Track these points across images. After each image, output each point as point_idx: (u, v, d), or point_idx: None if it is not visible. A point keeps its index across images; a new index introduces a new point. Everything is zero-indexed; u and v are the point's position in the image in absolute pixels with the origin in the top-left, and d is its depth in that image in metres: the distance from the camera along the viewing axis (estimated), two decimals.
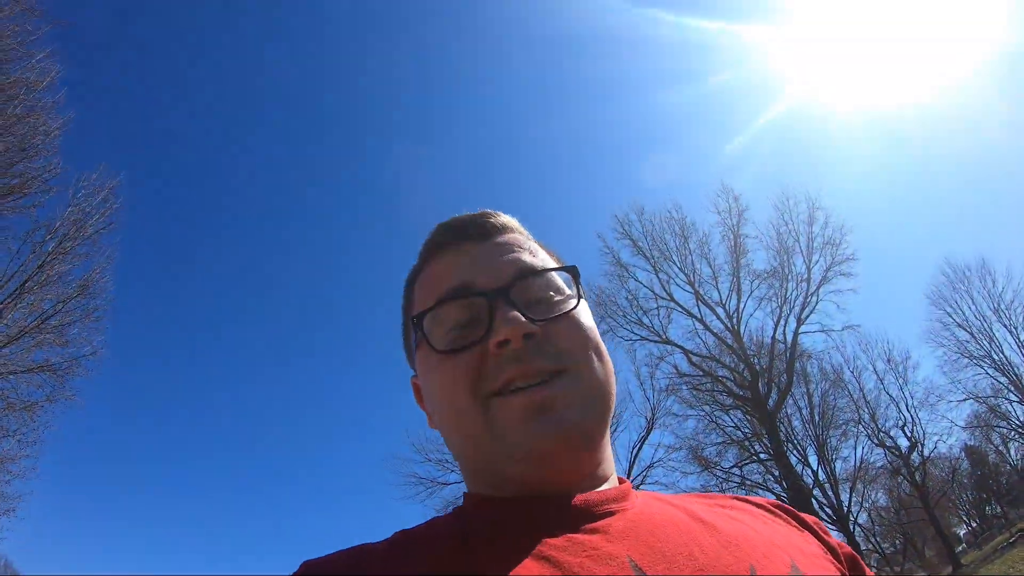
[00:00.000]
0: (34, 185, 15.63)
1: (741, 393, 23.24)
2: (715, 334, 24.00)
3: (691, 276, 24.18)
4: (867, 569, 0.91)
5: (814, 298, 23.39)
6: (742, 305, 23.79)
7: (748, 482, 22.97)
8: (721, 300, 24.04)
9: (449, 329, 0.85)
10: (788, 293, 23.64)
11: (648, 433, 23.55)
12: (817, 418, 23.02)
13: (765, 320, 23.70)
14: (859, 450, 24.64)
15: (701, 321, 24.15)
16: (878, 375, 24.02)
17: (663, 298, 24.36)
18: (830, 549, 0.88)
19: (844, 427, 23.05)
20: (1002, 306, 25.20)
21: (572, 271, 0.91)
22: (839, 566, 0.85)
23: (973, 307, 25.65)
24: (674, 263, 24.40)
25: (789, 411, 22.85)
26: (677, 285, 24.36)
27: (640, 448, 23.45)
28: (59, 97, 15.75)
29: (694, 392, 23.87)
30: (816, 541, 0.88)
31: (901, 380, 23.93)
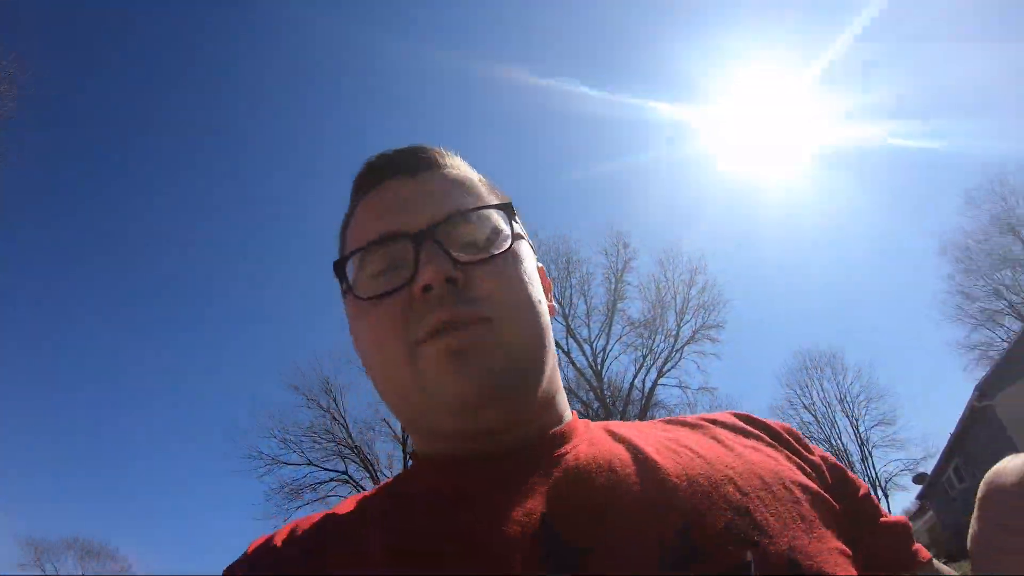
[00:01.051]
0: None
1: None
2: (577, 368, 24.67)
3: (566, 309, 24.95)
4: (858, 481, 0.86)
5: (678, 354, 24.26)
6: (609, 347, 24.40)
7: None
8: (590, 338, 24.69)
9: (373, 275, 0.81)
10: (655, 345, 24.46)
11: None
12: None
13: (628, 366, 24.42)
14: None
15: (567, 354, 24.78)
16: None
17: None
18: (810, 465, 0.82)
19: None
20: (848, 397, 26.34)
21: (506, 208, 0.85)
22: (817, 482, 0.79)
23: (821, 393, 26.75)
24: (552, 293, 24.66)
25: None
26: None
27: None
28: None
29: None
30: (787, 458, 0.81)
31: None
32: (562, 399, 0.86)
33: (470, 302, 0.76)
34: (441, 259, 0.75)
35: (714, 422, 0.87)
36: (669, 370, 24.02)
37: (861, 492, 0.85)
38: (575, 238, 27.33)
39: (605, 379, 24.07)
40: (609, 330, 24.41)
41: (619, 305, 24.73)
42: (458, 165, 0.91)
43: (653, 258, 25.36)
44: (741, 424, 0.87)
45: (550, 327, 0.85)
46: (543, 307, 0.83)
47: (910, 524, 0.87)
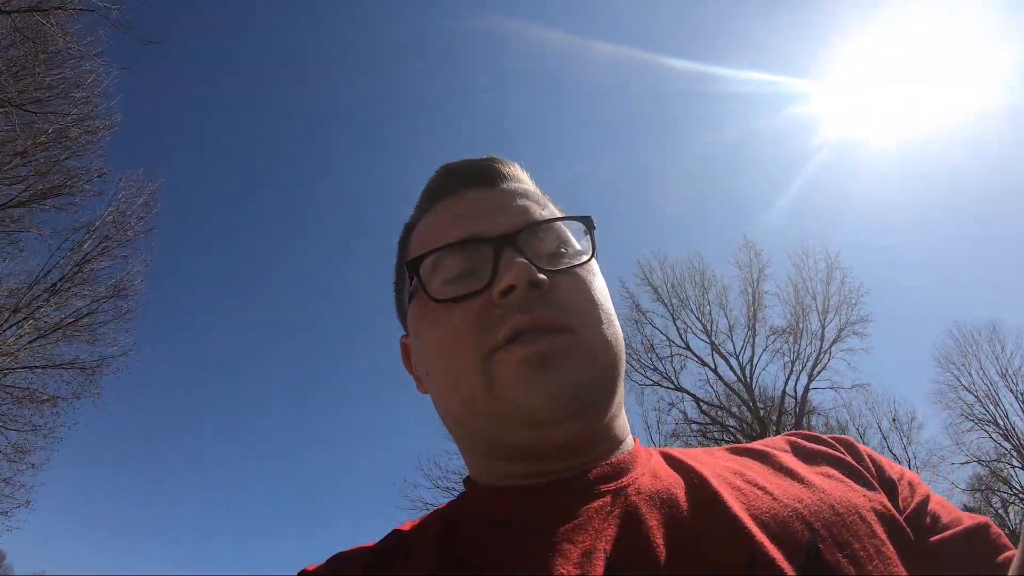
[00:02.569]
0: (77, 184, 16.24)
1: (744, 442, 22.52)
2: (727, 384, 24.31)
3: (708, 326, 24.60)
4: (926, 493, 0.80)
5: (826, 356, 23.55)
6: (756, 358, 24.08)
7: None
8: (735, 351, 24.33)
9: (449, 279, 0.79)
10: (801, 349, 23.82)
11: None
12: None
13: (777, 374, 23.59)
14: None
15: (715, 371, 24.45)
16: (883, 433, 24.15)
17: (679, 346, 24.67)
18: (884, 484, 0.78)
19: None
20: (1009, 371, 24.78)
21: (586, 221, 0.85)
22: (892, 504, 0.75)
23: (980, 371, 25.18)
24: (692, 312, 24.73)
25: None
26: (694, 334, 24.63)
27: None
28: (114, 103, 16.47)
29: (701, 440, 23.93)
30: (861, 482, 0.77)
31: (905, 439, 23.79)
32: (626, 422, 0.83)
33: (556, 309, 0.74)
34: (522, 262, 0.74)
35: (781, 450, 0.83)
36: (819, 372, 23.44)
37: (915, 500, 0.78)
38: (706, 251, 26.81)
39: (756, 391, 23.72)
40: (753, 341, 24.06)
41: (759, 314, 24.34)
42: (528, 180, 0.92)
43: (787, 260, 24.49)
44: (808, 446, 0.84)
45: (624, 351, 0.82)
46: (619, 329, 0.81)
47: (987, 528, 0.76)
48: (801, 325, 24.06)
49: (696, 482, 0.72)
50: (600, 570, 0.62)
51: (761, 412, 23.36)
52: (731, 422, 24.21)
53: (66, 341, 17.01)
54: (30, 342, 16.29)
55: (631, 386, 24.65)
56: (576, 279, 0.79)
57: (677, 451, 0.81)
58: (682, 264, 25.39)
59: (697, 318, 24.75)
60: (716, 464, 0.78)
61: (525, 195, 0.87)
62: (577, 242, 0.85)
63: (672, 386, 24.67)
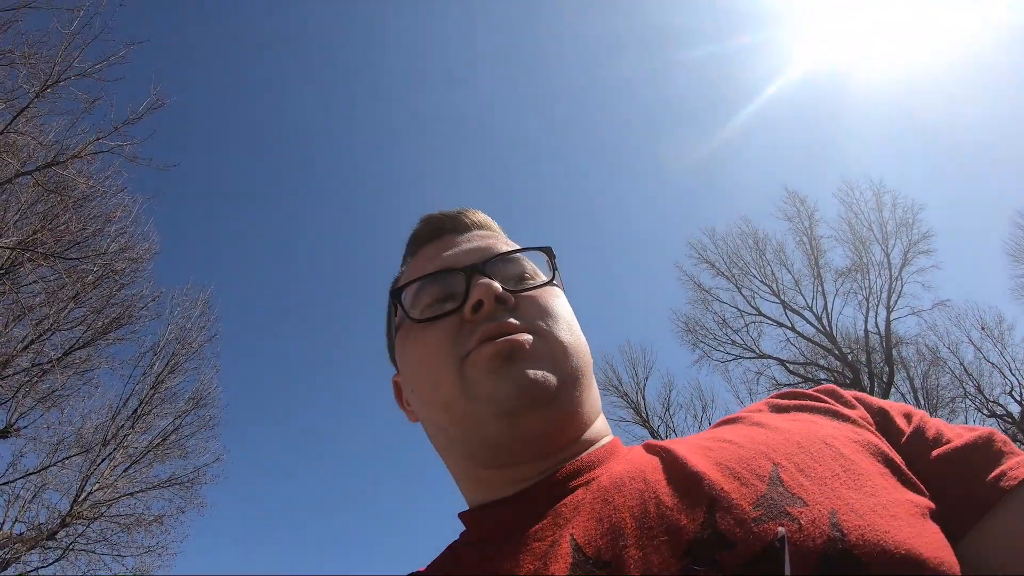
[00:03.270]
0: (134, 312, 16.88)
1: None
2: (808, 339, 23.96)
3: (773, 286, 24.30)
4: (908, 415, 0.83)
5: (898, 283, 23.13)
6: (830, 305, 23.69)
7: None
8: (807, 304, 23.98)
9: (428, 304, 0.89)
10: (872, 284, 23.44)
11: None
12: (923, 401, 22.40)
13: (855, 315, 23.17)
14: (970, 424, 21.83)
15: (792, 328, 24.11)
16: (975, 345, 23.06)
17: (750, 313, 24.42)
18: (857, 419, 0.81)
19: (951, 404, 22.18)
20: None
21: (546, 251, 0.95)
22: (869, 433, 0.77)
23: None
24: (754, 277, 24.49)
25: (894, 399, 22.00)
26: (762, 298, 24.36)
27: None
28: (147, 227, 17.01)
29: None
30: (830, 419, 0.81)
31: (1000, 345, 22.69)
32: (602, 425, 0.90)
33: (521, 319, 0.83)
34: (488, 281, 0.84)
35: (755, 411, 0.87)
36: (896, 302, 22.99)
37: (911, 427, 0.80)
38: (751, 214, 26.37)
39: (838, 337, 23.29)
40: (822, 289, 23.64)
41: (821, 261, 23.93)
42: (495, 226, 1.04)
43: (833, 200, 23.97)
44: (781, 402, 0.88)
45: (590, 359, 0.90)
46: (583, 339, 0.89)
47: (993, 440, 0.76)
48: (865, 260, 23.66)
49: (666, 456, 0.76)
50: (566, 554, 0.66)
51: (849, 357, 22.98)
52: (821, 375, 23.71)
53: (159, 461, 17.45)
54: (125, 470, 16.72)
55: (715, 366, 24.65)
56: (538, 298, 0.88)
57: (658, 441, 0.84)
58: (732, 233, 25.16)
59: (761, 281, 24.51)
60: (692, 439, 0.82)
61: (492, 236, 0.99)
62: (541, 271, 0.95)
63: (754, 354, 24.42)
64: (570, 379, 0.82)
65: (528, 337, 0.81)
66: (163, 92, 12.79)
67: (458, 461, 0.89)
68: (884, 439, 0.78)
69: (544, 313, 0.86)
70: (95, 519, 15.83)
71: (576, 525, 0.70)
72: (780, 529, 0.60)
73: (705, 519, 0.63)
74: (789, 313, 24.18)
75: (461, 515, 0.86)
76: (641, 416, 24.98)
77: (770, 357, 24.36)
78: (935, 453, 0.76)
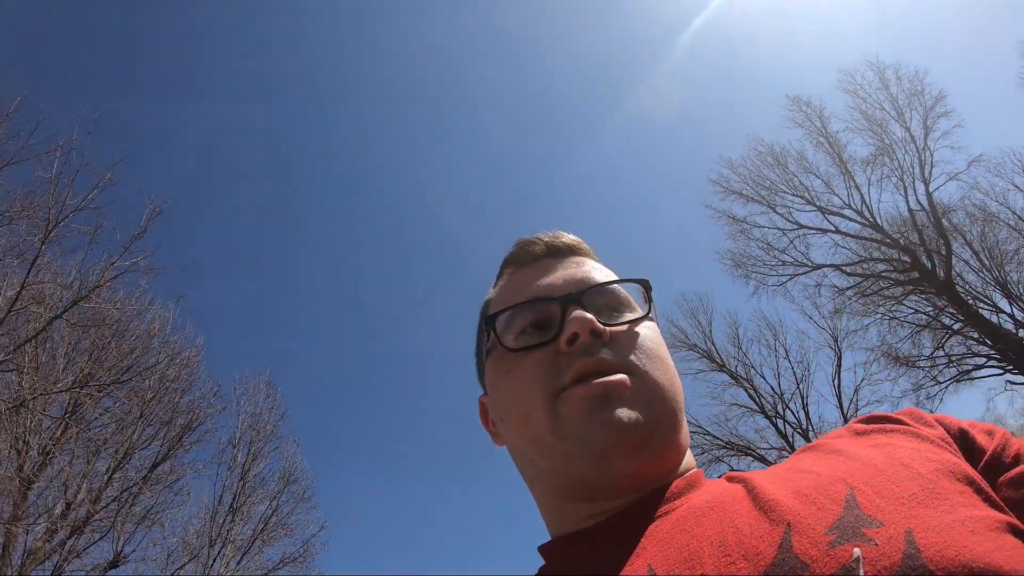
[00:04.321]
0: (200, 414, 17.46)
1: (907, 278, 22.61)
2: (855, 236, 23.64)
3: (806, 196, 23.93)
4: (990, 432, 0.82)
5: (927, 154, 22.53)
6: (867, 197, 23.31)
7: (953, 358, 22.27)
8: (845, 202, 23.66)
9: (521, 332, 0.88)
10: (901, 162, 22.92)
11: (839, 360, 23.28)
12: (988, 262, 21.90)
13: (894, 199, 22.78)
14: None
15: (837, 231, 23.77)
16: (1023, 190, 22.55)
17: (791, 229, 24.11)
18: (935, 440, 0.79)
19: (1016, 256, 21.61)
20: None
21: (644, 284, 0.94)
22: (948, 454, 0.76)
23: None
24: (784, 192, 24.12)
25: (958, 270, 21.77)
26: (798, 211, 24.05)
27: (839, 379, 23.22)
28: (188, 329, 17.50)
29: (862, 302, 23.36)
30: (908, 441, 0.79)
31: None
32: (688, 460, 0.88)
33: (617, 355, 0.82)
34: (584, 314, 0.83)
35: (836, 437, 0.85)
36: (931, 173, 22.31)
37: (993, 444, 0.79)
38: (762, 132, 25.92)
39: (885, 225, 22.79)
40: (854, 182, 23.11)
41: (845, 156, 23.50)
42: (594, 255, 1.02)
43: (837, 93, 23.47)
44: (861, 427, 0.86)
45: (682, 397, 0.88)
46: (676, 371, 0.88)
47: None
48: (887, 141, 23.14)
49: (746, 486, 0.75)
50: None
51: (901, 241, 22.53)
52: (879, 268, 23.48)
53: (268, 545, 18.02)
54: (238, 563, 17.22)
55: (773, 292, 24.38)
56: (633, 333, 0.87)
57: (739, 472, 0.82)
58: (750, 157, 24.85)
59: (792, 195, 24.17)
60: (773, 469, 0.81)
61: (587, 263, 0.97)
62: (636, 303, 0.93)
63: (808, 267, 24.09)
64: (664, 421, 0.81)
65: (623, 377, 0.80)
66: (155, 201, 13.12)
67: (544, 492, 0.88)
68: (964, 458, 0.76)
69: (639, 350, 0.85)
70: None
71: (655, 555, 0.69)
72: (855, 550, 0.59)
73: (781, 544, 0.63)
74: (829, 217, 23.87)
75: (541, 548, 0.86)
76: (716, 362, 24.90)
77: (824, 266, 23.96)
78: (1016, 471, 0.75)
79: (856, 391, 23.07)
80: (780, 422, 23.90)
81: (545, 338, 0.86)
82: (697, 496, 0.78)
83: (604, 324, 0.85)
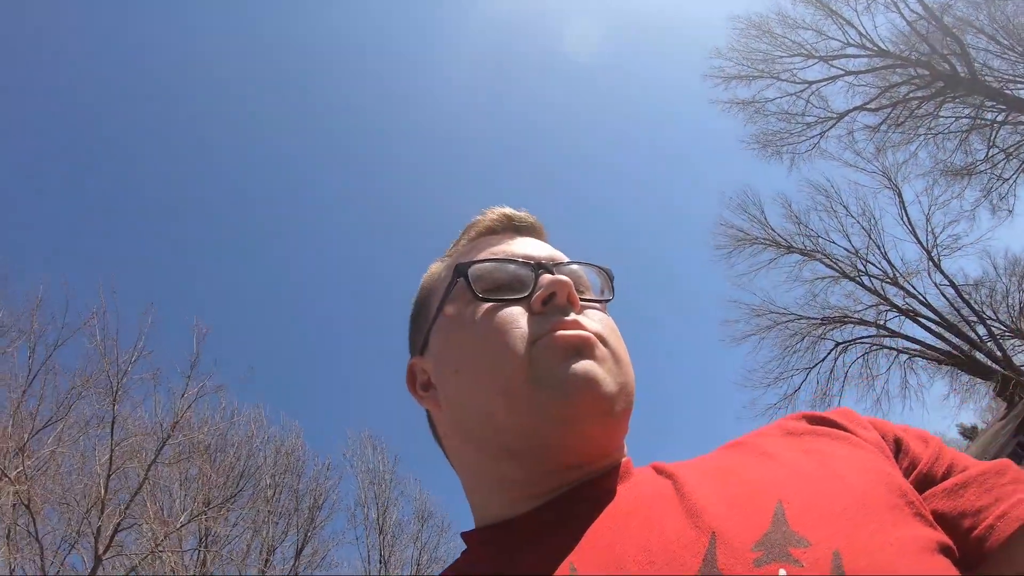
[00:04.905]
0: (320, 490, 18.11)
1: (934, 90, 21.87)
2: (866, 72, 23.02)
3: (803, 51, 23.28)
4: (923, 441, 0.81)
5: None
6: (861, 28, 22.50)
7: (1010, 150, 21.24)
8: (843, 42, 22.96)
9: (491, 288, 0.85)
10: None
11: (900, 197, 22.86)
12: (1007, 41, 20.22)
13: (889, 18, 21.90)
14: None
15: (847, 72, 23.17)
16: None
17: (802, 89, 23.52)
18: (870, 445, 0.79)
19: None
20: None
21: (607, 272, 0.94)
22: (883, 462, 0.76)
23: None
24: (782, 57, 23.54)
25: (981, 60, 20.92)
26: (801, 70, 23.52)
27: (906, 216, 22.83)
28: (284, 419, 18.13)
29: (900, 131, 22.62)
30: (843, 446, 0.78)
31: None
32: (624, 444, 0.86)
33: (589, 324, 0.81)
34: (565, 279, 0.82)
35: (766, 435, 0.84)
36: None
37: (928, 453, 0.78)
38: (737, 6, 25.23)
39: (892, 48, 21.95)
40: (843, 19, 22.23)
41: None
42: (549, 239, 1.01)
43: None
44: (792, 425, 0.85)
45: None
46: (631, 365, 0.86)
47: (1007, 471, 0.75)
48: None
49: (674, 484, 0.73)
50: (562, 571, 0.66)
51: (913, 57, 21.91)
52: (903, 91, 22.75)
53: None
54: None
55: (809, 156, 23.92)
56: (601, 311, 0.88)
57: (667, 464, 0.81)
58: (734, 37, 24.04)
59: (788, 56, 23.52)
60: (701, 462, 0.80)
61: (552, 247, 0.95)
62: (607, 286, 0.94)
63: (834, 117, 23.60)
64: (625, 393, 0.80)
65: (598, 346, 0.79)
66: (200, 323, 13.68)
67: (485, 458, 0.83)
68: (898, 467, 0.77)
69: (606, 327, 0.84)
70: None
71: (579, 553, 0.68)
72: (781, 572, 0.59)
73: (706, 556, 0.61)
74: (833, 63, 23.33)
75: (465, 535, 0.85)
76: (782, 245, 24.59)
77: (849, 112, 23.41)
78: (950, 482, 0.75)
79: (928, 220, 22.56)
80: (866, 279, 23.68)
81: (520, 294, 0.83)
82: (627, 489, 0.77)
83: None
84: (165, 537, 12.32)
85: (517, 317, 0.81)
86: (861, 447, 0.78)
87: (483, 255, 0.90)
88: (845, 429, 0.81)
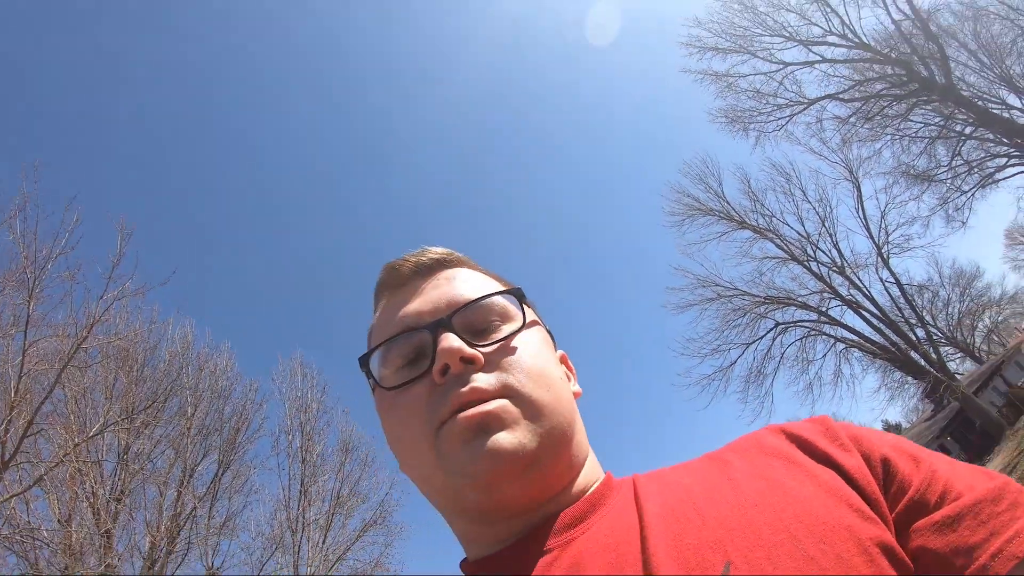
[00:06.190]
0: (248, 412, 18.02)
1: (907, 91, 21.86)
2: (844, 61, 22.96)
3: (784, 33, 23.15)
4: (918, 463, 0.74)
5: None
6: (846, 18, 22.48)
7: (973, 163, 21.67)
8: (825, 30, 22.86)
9: (397, 368, 0.85)
10: None
11: (859, 190, 23.16)
12: (987, 59, 20.71)
13: (875, 13, 22.28)
14: None
15: (824, 60, 23.14)
16: None
17: (777, 69, 23.50)
18: (850, 470, 0.75)
19: (1014, 47, 20.28)
20: None
21: (516, 294, 0.92)
22: (860, 492, 0.72)
23: None
24: (761, 35, 23.42)
25: (958, 74, 21.00)
26: (780, 50, 23.40)
27: (862, 209, 23.05)
28: (208, 336, 18.00)
29: (868, 126, 22.78)
30: (817, 478, 0.74)
31: None
32: (592, 467, 0.87)
33: (492, 380, 0.79)
34: (453, 342, 0.80)
35: (741, 454, 0.82)
36: None
37: (919, 476, 0.73)
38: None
39: (874, 43, 22.14)
40: (829, 7, 22.20)
41: None
42: (466, 262, 0.99)
43: None
44: (770, 443, 0.82)
45: (573, 403, 0.88)
46: (563, 383, 0.87)
47: (1005, 494, 0.69)
48: None
49: (640, 524, 0.73)
50: None
51: (893, 55, 21.94)
52: (877, 87, 22.81)
53: (347, 517, 18.78)
54: (323, 541, 17.88)
55: (776, 137, 24.33)
56: (510, 349, 0.84)
57: (645, 477, 0.83)
58: (715, 9, 23.92)
59: (768, 35, 23.45)
60: (673, 490, 0.78)
61: (460, 277, 0.93)
62: (512, 310, 0.90)
63: (804, 103, 23.69)
64: (549, 440, 0.79)
65: (502, 403, 0.77)
66: (124, 222, 12.77)
67: (451, 517, 0.85)
68: (881, 490, 0.72)
69: (517, 368, 0.82)
70: None
71: None
72: None
73: None
74: (813, 48, 23.31)
75: (463, 565, 0.85)
76: (736, 220, 24.78)
77: (820, 99, 23.56)
78: (941, 515, 0.68)
79: (883, 217, 22.96)
80: (814, 264, 23.93)
81: (420, 371, 0.83)
82: (601, 521, 0.77)
83: (477, 345, 0.83)
84: (75, 447, 12.03)
85: (418, 404, 0.81)
86: (839, 468, 0.75)
87: (378, 335, 0.91)
88: (821, 448, 0.78)
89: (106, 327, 12.96)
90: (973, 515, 0.68)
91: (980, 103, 20.96)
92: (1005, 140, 20.98)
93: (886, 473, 0.74)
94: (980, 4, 20.88)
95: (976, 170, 22.13)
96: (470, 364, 0.81)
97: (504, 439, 0.75)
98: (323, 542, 17.52)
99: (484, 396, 0.78)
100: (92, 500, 13.56)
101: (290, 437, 18.79)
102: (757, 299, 24.02)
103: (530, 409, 0.79)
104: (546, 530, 0.77)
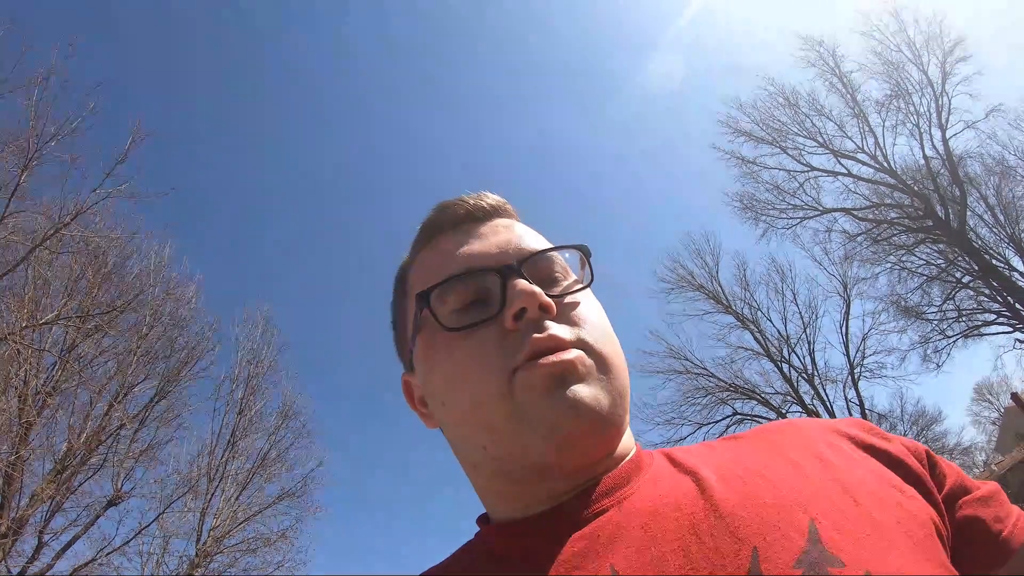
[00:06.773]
0: (200, 349, 17.62)
1: (919, 225, 22.13)
2: (867, 180, 23.16)
3: (818, 138, 23.38)
4: (944, 465, 0.85)
5: (944, 99, 21.80)
6: (880, 141, 22.75)
7: (963, 312, 22.00)
8: (858, 146, 23.10)
9: (457, 309, 0.81)
10: (917, 107, 22.26)
11: (848, 308, 23.08)
12: (1002, 217, 21.34)
13: (909, 143, 22.42)
14: None
15: (849, 174, 23.27)
16: None
17: (802, 171, 23.65)
18: (893, 458, 0.80)
19: None
20: None
21: (583, 250, 0.88)
22: (904, 479, 0.78)
23: None
24: (796, 134, 23.58)
25: (971, 224, 21.40)
26: (810, 153, 23.59)
27: (846, 326, 23.03)
28: (184, 263, 17.61)
29: (873, 248, 22.93)
30: (866, 460, 0.79)
31: None
32: (629, 436, 0.84)
33: (568, 330, 0.77)
34: (530, 286, 0.77)
35: (788, 434, 0.84)
36: (947, 119, 21.65)
37: (951, 472, 0.85)
38: (775, 72, 25.33)
39: (899, 171, 22.48)
40: (868, 125, 22.71)
41: (859, 98, 22.95)
42: (519, 216, 0.96)
43: (852, 35, 22.77)
44: (808, 431, 0.84)
45: (627, 367, 0.84)
46: (620, 348, 0.84)
47: (999, 501, 0.86)
48: (903, 84, 22.67)
49: (699, 485, 0.72)
50: None
51: (915, 188, 22.25)
52: (892, 215, 23.14)
53: (267, 481, 18.23)
54: (237, 498, 17.44)
55: (782, 235, 24.16)
56: (578, 304, 0.81)
57: (678, 451, 0.82)
58: (760, 97, 24.22)
59: (804, 136, 23.73)
60: (717, 457, 0.79)
61: (518, 228, 0.90)
62: (572, 270, 0.88)
63: (818, 211, 23.82)
64: (619, 396, 0.77)
65: (579, 354, 0.75)
66: (140, 127, 12.86)
67: (491, 478, 0.80)
68: (931, 479, 0.80)
69: (587, 323, 0.80)
70: (220, 552, 16.55)
71: (616, 555, 0.66)
72: None
73: (750, 570, 0.61)
74: (841, 160, 23.53)
75: (485, 527, 0.82)
76: (722, 303, 24.82)
77: (835, 210, 23.68)
78: (977, 495, 0.84)
79: (863, 340, 23.10)
80: (786, 366, 23.93)
81: (488, 313, 0.79)
82: (646, 485, 0.75)
83: (549, 295, 0.79)
84: (21, 329, 11.82)
85: (489, 347, 0.76)
86: (875, 470, 0.78)
87: (435, 271, 0.85)
88: (864, 443, 0.82)
89: (89, 222, 12.87)
90: (996, 497, 0.84)
91: (986, 256, 21.20)
92: (1000, 298, 21.22)
93: (930, 462, 0.83)
94: (1010, 163, 21.15)
95: (964, 319, 22.31)
96: (544, 312, 0.77)
97: (583, 391, 0.73)
98: (236, 498, 17.23)
99: (562, 345, 0.75)
100: (23, 389, 13.28)
101: (234, 386, 18.56)
102: (722, 384, 23.97)
103: (602, 364, 0.77)
104: (592, 491, 0.75)
